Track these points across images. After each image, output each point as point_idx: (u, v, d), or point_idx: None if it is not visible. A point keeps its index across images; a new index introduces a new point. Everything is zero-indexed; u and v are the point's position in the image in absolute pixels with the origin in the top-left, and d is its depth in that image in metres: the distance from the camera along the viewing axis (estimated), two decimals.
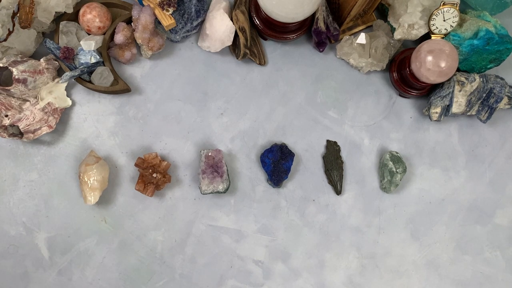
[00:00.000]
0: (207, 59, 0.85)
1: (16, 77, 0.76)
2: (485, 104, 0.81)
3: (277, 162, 0.80)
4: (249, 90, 0.85)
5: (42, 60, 0.79)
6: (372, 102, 0.87)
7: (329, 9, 0.84)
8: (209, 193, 0.78)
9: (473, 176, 0.86)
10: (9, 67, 0.75)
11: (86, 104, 0.82)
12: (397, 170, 0.80)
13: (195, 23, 0.83)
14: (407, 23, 0.81)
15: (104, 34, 0.81)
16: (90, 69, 0.79)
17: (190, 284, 0.80)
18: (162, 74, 0.84)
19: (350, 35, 0.86)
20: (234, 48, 0.85)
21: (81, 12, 0.79)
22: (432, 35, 0.81)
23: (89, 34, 0.81)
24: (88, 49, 0.79)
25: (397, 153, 0.82)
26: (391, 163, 0.81)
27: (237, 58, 0.83)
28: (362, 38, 0.83)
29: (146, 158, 0.78)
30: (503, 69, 0.88)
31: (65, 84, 0.80)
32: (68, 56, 0.78)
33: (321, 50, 0.85)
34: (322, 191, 0.83)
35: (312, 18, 0.83)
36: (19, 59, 0.77)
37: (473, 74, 0.81)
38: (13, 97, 0.76)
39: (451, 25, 0.79)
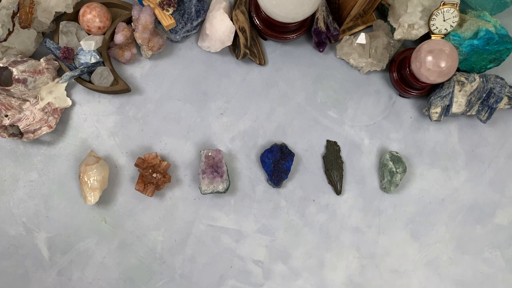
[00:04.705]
0: (207, 59, 0.85)
1: (16, 77, 0.76)
2: (485, 104, 0.81)
3: (277, 162, 0.80)
4: (249, 90, 0.85)
5: (42, 60, 0.79)
6: (372, 102, 0.87)
7: (329, 9, 0.84)
8: (209, 193, 0.78)
9: (473, 176, 0.86)
10: (9, 67, 0.75)
11: (86, 104, 0.82)
12: (397, 170, 0.80)
13: (195, 23, 0.83)
14: (407, 23, 0.81)
15: (104, 34, 0.81)
16: (90, 69, 0.79)
17: (190, 284, 0.80)
18: (162, 74, 0.84)
19: (350, 35, 0.86)
20: (234, 48, 0.85)
21: (81, 12, 0.79)
22: (432, 35, 0.81)
23: (89, 34, 0.81)
24: (88, 49, 0.79)
25: (397, 153, 0.82)
26: (391, 163, 0.81)
27: (237, 58, 0.83)
28: (362, 38, 0.83)
29: (146, 158, 0.78)
30: (503, 69, 0.88)
31: (65, 84, 0.80)
32: (68, 56, 0.78)
33: (321, 50, 0.85)
34: (322, 191, 0.83)
35: (312, 18, 0.83)
36: (19, 59, 0.77)
37: (473, 74, 0.81)
38: (13, 97, 0.76)
39: (451, 25, 0.79)
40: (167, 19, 0.80)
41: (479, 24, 0.79)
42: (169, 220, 0.80)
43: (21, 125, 0.76)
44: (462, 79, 0.80)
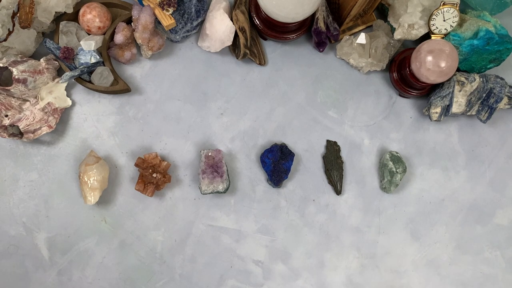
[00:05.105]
0: (207, 59, 0.85)
1: (16, 77, 0.76)
2: (485, 104, 0.81)
3: (277, 162, 0.80)
4: (249, 90, 0.85)
5: (42, 60, 0.79)
6: (372, 102, 0.87)
7: (329, 9, 0.84)
8: (209, 193, 0.78)
9: (473, 176, 0.86)
10: (9, 67, 0.75)
11: (86, 104, 0.82)
12: (397, 170, 0.80)
13: (195, 23, 0.83)
14: (407, 23, 0.81)
15: (104, 34, 0.81)
16: (90, 69, 0.79)
17: (190, 284, 0.80)
18: (162, 74, 0.84)
19: (350, 35, 0.86)
20: (234, 48, 0.85)
21: (81, 12, 0.79)
22: (432, 35, 0.81)
23: (89, 34, 0.81)
24: (88, 49, 0.79)
25: (397, 153, 0.82)
26: (391, 163, 0.81)
27: (237, 58, 0.83)
28: (362, 38, 0.83)
29: (146, 158, 0.78)
30: (503, 69, 0.88)
31: (65, 84, 0.80)
32: (68, 56, 0.78)
33: (321, 50, 0.85)
34: (322, 191, 0.83)
35: (312, 18, 0.83)
36: (19, 59, 0.77)
37: (473, 74, 0.81)
38: (13, 97, 0.76)
39: (451, 25, 0.79)
40: (167, 19, 0.80)
41: (479, 24, 0.79)
42: (169, 220, 0.80)
43: (21, 125, 0.76)
44: (462, 79, 0.80)
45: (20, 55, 0.78)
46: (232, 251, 0.81)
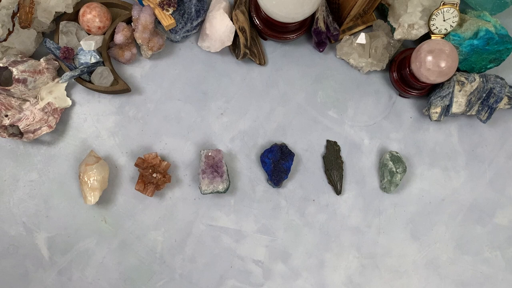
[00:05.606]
0: (207, 59, 0.85)
1: (16, 77, 0.76)
2: (485, 104, 0.81)
3: (277, 162, 0.80)
4: (249, 90, 0.85)
5: (42, 60, 0.79)
6: (372, 102, 0.87)
7: (329, 9, 0.84)
8: (209, 193, 0.78)
9: (473, 176, 0.86)
10: (9, 67, 0.75)
11: (86, 104, 0.82)
12: (397, 170, 0.80)
13: (195, 23, 0.83)
14: (407, 23, 0.81)
15: (104, 34, 0.81)
16: (90, 69, 0.79)
17: (190, 284, 0.80)
18: (162, 74, 0.84)
19: (350, 35, 0.86)
20: (234, 48, 0.85)
21: (81, 12, 0.79)
22: (432, 35, 0.81)
23: (89, 34, 0.81)
24: (88, 49, 0.79)
25: (397, 153, 0.82)
26: (391, 163, 0.81)
27: (237, 58, 0.83)
28: (362, 38, 0.83)
29: (146, 158, 0.78)
30: (503, 69, 0.88)
31: (65, 84, 0.80)
32: (68, 56, 0.78)
33: (321, 50, 0.85)
34: (322, 191, 0.83)
35: (312, 18, 0.83)
36: (19, 59, 0.77)
37: (473, 74, 0.81)
38: (13, 97, 0.76)
39: (451, 25, 0.79)
40: (167, 19, 0.80)
41: (479, 24, 0.79)
42: (169, 220, 0.80)
43: (21, 125, 0.76)
44: (462, 79, 0.81)
45: (20, 55, 0.78)
46: (232, 251, 0.81)
